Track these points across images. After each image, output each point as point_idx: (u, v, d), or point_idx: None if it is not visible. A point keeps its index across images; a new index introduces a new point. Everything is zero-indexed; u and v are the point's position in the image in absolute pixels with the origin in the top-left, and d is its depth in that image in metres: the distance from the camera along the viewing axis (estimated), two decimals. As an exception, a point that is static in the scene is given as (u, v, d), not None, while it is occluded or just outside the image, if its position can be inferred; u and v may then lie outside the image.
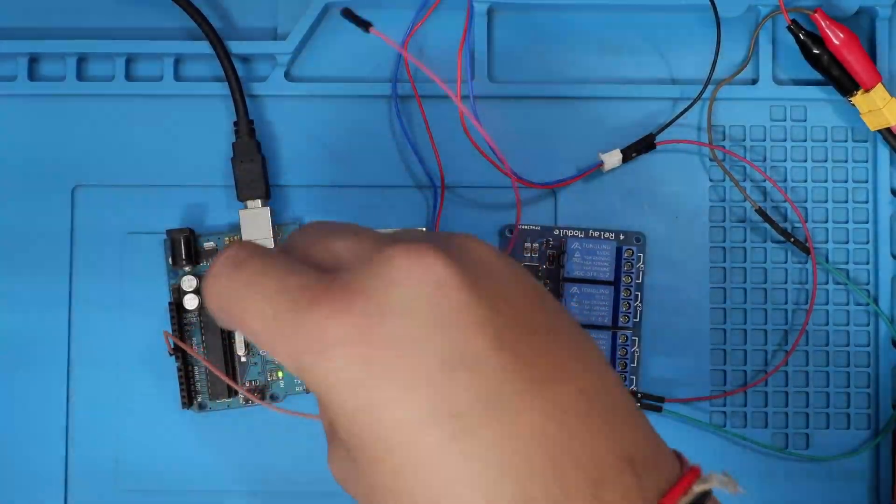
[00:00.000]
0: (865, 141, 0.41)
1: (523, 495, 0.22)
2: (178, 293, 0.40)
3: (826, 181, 0.41)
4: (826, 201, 0.41)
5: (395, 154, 0.41)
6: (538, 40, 0.42)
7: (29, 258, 0.41)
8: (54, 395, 0.40)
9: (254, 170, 0.40)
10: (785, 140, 0.41)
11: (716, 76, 0.40)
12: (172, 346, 0.39)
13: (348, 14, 0.29)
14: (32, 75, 0.41)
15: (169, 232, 0.40)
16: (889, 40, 0.41)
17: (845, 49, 0.39)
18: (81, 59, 0.41)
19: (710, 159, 0.41)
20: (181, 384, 0.39)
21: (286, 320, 0.23)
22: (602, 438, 0.23)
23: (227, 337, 0.40)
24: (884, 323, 0.41)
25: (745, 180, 0.41)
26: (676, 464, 0.25)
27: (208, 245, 0.40)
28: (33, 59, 0.41)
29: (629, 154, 0.40)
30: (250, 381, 0.40)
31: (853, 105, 0.40)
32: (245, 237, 0.39)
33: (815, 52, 0.39)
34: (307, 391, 0.40)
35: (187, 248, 0.40)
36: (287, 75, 0.41)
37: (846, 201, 0.41)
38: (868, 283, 0.41)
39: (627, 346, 0.40)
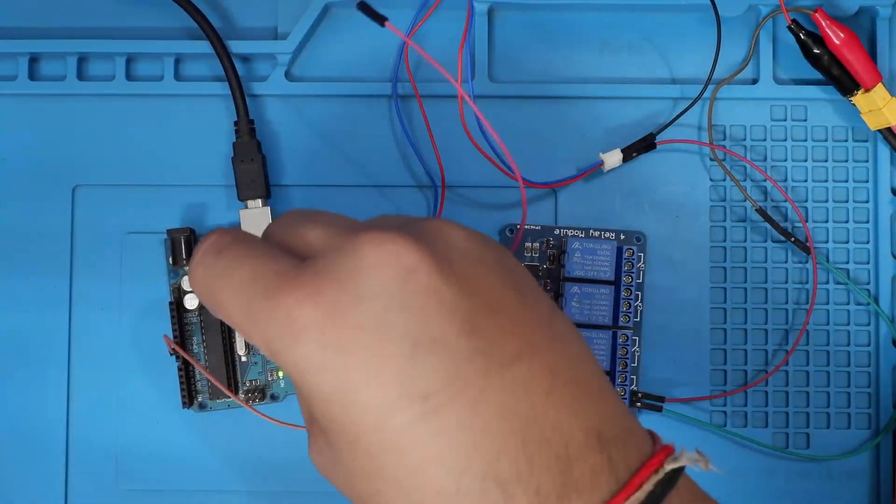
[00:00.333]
0: (866, 140, 0.41)
1: (493, 473, 0.22)
2: (179, 293, 0.40)
3: (826, 181, 0.41)
4: (826, 201, 0.41)
5: (395, 153, 0.41)
6: (539, 40, 0.42)
7: (29, 258, 0.41)
8: (55, 395, 0.40)
9: (254, 169, 0.40)
10: (785, 140, 0.41)
11: (716, 76, 0.40)
12: (173, 346, 0.39)
13: (364, 7, 0.29)
14: (33, 75, 0.41)
15: (169, 232, 0.40)
16: (889, 40, 0.41)
17: (846, 49, 0.39)
18: (82, 59, 0.41)
19: (711, 159, 0.41)
20: (181, 384, 0.39)
21: (260, 307, 0.24)
22: (570, 415, 0.23)
23: (228, 336, 0.40)
24: (884, 322, 0.41)
25: (745, 180, 0.41)
26: (649, 441, 0.25)
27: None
28: (34, 59, 0.41)
29: (630, 154, 0.40)
30: (251, 381, 0.40)
31: (854, 105, 0.40)
32: (245, 237, 0.39)
33: (816, 51, 0.39)
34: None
35: (188, 248, 0.40)
36: (287, 75, 0.41)
37: (847, 201, 0.41)
38: (868, 283, 0.41)
39: (628, 345, 0.40)
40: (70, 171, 0.41)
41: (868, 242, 0.41)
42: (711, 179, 0.41)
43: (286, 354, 0.24)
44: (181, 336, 0.40)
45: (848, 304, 0.41)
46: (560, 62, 0.42)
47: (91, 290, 0.41)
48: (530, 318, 0.25)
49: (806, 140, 0.41)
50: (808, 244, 0.40)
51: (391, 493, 0.23)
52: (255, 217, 0.39)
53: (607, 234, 0.40)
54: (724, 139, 0.41)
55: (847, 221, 0.41)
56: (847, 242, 0.41)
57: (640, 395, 0.40)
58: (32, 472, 0.40)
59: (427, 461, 0.23)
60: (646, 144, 0.40)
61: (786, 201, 0.41)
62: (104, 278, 0.41)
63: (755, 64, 0.42)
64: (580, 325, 0.39)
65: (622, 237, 0.40)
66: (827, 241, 0.41)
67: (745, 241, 0.41)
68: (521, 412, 0.23)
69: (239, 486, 0.40)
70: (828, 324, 0.41)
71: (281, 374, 0.40)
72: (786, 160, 0.41)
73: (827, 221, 0.41)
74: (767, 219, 0.40)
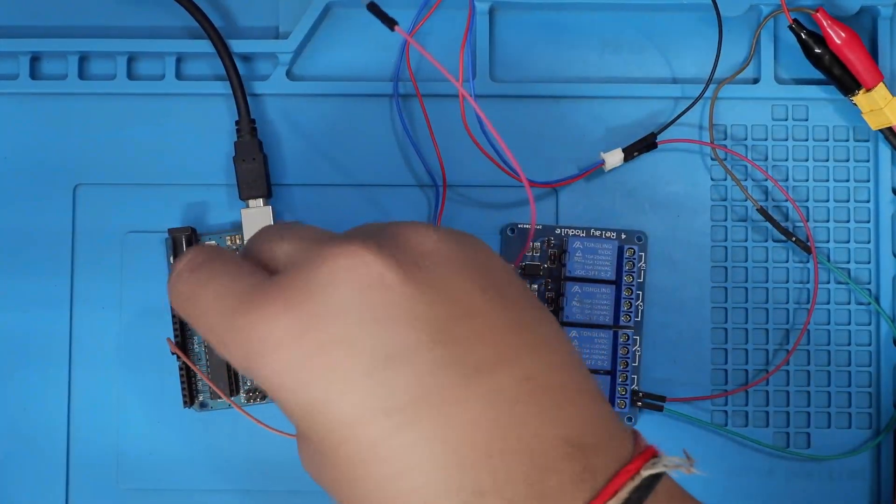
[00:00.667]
0: (867, 140, 0.41)
1: (471, 483, 0.22)
2: (180, 292, 0.40)
3: (828, 180, 0.41)
4: (828, 200, 0.41)
5: (396, 153, 0.41)
6: (540, 39, 0.42)
7: (30, 257, 0.41)
8: (55, 394, 0.40)
9: (255, 169, 0.40)
10: (786, 139, 0.41)
11: (717, 75, 0.40)
12: (174, 346, 0.39)
13: (374, 9, 0.29)
14: (34, 74, 0.41)
15: (171, 231, 0.40)
16: (891, 39, 0.41)
17: (847, 48, 0.39)
18: (83, 58, 0.41)
19: (712, 158, 0.41)
20: (182, 383, 0.39)
21: (231, 323, 0.24)
22: (546, 423, 0.23)
23: (229, 336, 0.40)
24: (885, 322, 0.41)
25: (746, 179, 0.41)
26: (630, 446, 0.25)
27: (210, 244, 0.40)
28: (35, 58, 0.41)
29: (630, 153, 0.40)
30: (250, 381, 0.40)
31: (855, 104, 0.40)
32: (247, 236, 0.39)
33: (817, 51, 0.39)
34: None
35: (189, 247, 0.40)
36: (289, 74, 0.41)
37: (848, 200, 0.41)
38: (869, 283, 0.41)
39: (629, 345, 0.40)
40: (71, 170, 0.41)
41: (869, 242, 0.41)
42: (712, 179, 0.41)
43: (260, 370, 0.23)
44: (182, 336, 0.40)
45: (849, 303, 0.41)
46: (561, 61, 0.42)
47: (92, 290, 0.41)
48: (508, 322, 0.24)
49: (807, 139, 0.41)
50: (809, 244, 0.40)
51: (374, 499, 0.23)
52: (257, 216, 0.39)
53: (608, 234, 0.40)
54: (726, 139, 0.41)
55: (848, 221, 0.41)
56: (848, 242, 0.41)
57: (640, 394, 0.40)
58: (33, 471, 0.40)
59: (403, 471, 0.22)
60: (647, 144, 0.40)
61: (787, 201, 0.41)
62: (105, 277, 0.41)
63: (756, 63, 0.42)
64: (581, 325, 0.39)
65: (623, 237, 0.40)
66: (828, 241, 0.41)
67: (746, 240, 0.41)
68: (497, 422, 0.23)
69: (239, 485, 0.40)
70: (829, 323, 0.41)
71: (282, 373, 0.40)
72: (787, 160, 0.41)
73: (828, 221, 0.41)
74: (768, 218, 0.40)
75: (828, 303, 0.41)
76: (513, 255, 0.40)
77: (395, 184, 0.41)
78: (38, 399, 0.40)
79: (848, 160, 0.41)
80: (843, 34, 0.39)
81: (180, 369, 0.40)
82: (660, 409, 0.40)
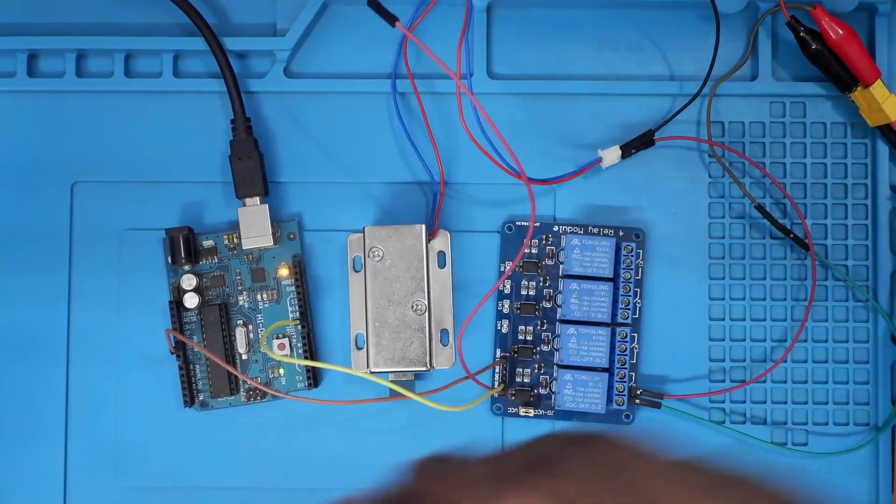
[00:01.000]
0: (864, 137, 0.41)
1: None
2: (178, 292, 0.40)
3: (825, 177, 0.41)
4: (825, 197, 0.41)
5: (394, 150, 0.41)
6: (537, 36, 0.42)
7: (28, 254, 0.41)
8: (54, 391, 0.40)
9: (252, 167, 0.40)
10: (784, 136, 0.41)
11: (715, 72, 0.40)
12: (174, 345, 0.39)
13: (375, 5, 0.29)
14: (31, 72, 0.41)
15: (168, 231, 0.40)
16: (888, 36, 0.41)
17: (845, 45, 0.39)
18: (80, 56, 0.41)
19: (710, 156, 0.41)
20: (182, 383, 0.39)
21: None
22: None
23: (228, 335, 0.40)
24: (883, 319, 0.41)
25: (744, 177, 0.41)
26: None
27: (207, 243, 0.40)
28: (32, 56, 0.41)
29: (628, 150, 0.40)
30: (250, 381, 0.40)
31: (852, 101, 0.40)
32: (243, 234, 0.39)
33: (815, 48, 0.39)
34: (308, 387, 0.40)
35: (186, 247, 0.40)
36: (286, 71, 0.41)
37: (845, 197, 0.41)
38: (867, 280, 0.41)
39: (627, 342, 0.40)
40: (69, 167, 0.41)
41: (867, 239, 0.41)
42: (710, 176, 0.41)
43: None
44: (180, 332, 0.40)
45: (847, 300, 0.41)
46: (558, 58, 0.42)
47: (90, 287, 0.41)
48: None
49: (805, 136, 0.41)
50: (806, 240, 0.40)
51: None
52: (253, 214, 0.39)
53: (606, 231, 0.40)
54: (723, 136, 0.41)
55: (846, 218, 0.41)
56: (846, 239, 0.41)
57: (639, 391, 0.40)
58: (31, 468, 0.40)
59: None
60: (644, 141, 0.40)
61: (784, 198, 0.41)
62: (103, 274, 0.41)
63: (754, 60, 0.42)
64: (579, 322, 0.39)
65: (621, 234, 0.40)
66: (826, 238, 0.41)
67: (744, 237, 0.41)
68: None
69: (238, 483, 0.40)
70: (827, 320, 0.41)
71: (282, 371, 0.40)
72: (784, 157, 0.41)
73: (826, 218, 0.41)
74: (766, 215, 0.40)
75: (826, 300, 0.41)
76: (512, 252, 0.40)
77: (394, 181, 0.41)
78: (35, 395, 0.40)
79: (845, 157, 0.41)
80: (840, 31, 0.39)
81: (180, 369, 0.39)
82: (658, 406, 0.40)
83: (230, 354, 0.40)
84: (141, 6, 0.42)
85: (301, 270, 0.40)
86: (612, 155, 0.40)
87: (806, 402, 0.41)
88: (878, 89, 0.39)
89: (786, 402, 0.41)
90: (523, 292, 0.40)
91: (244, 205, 0.40)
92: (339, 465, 0.40)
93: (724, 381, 0.41)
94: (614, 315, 0.40)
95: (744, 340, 0.41)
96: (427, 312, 0.38)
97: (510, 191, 0.41)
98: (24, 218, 0.41)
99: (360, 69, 0.41)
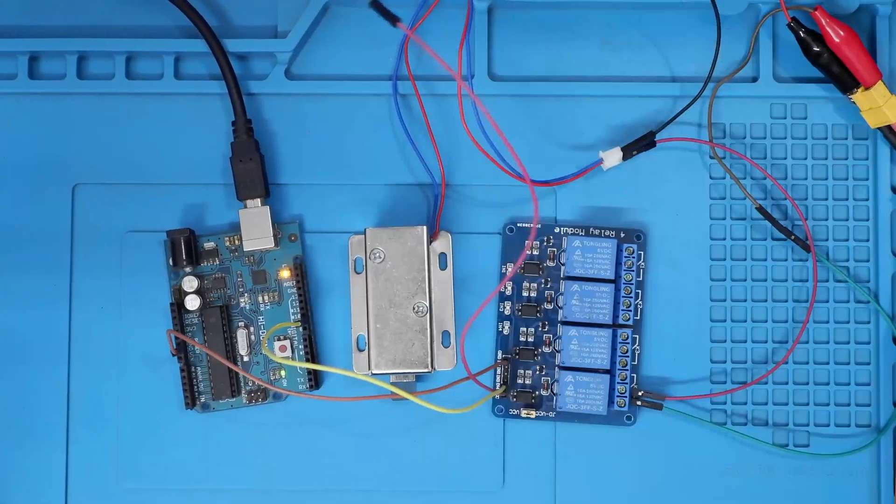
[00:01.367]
0: (866, 138, 0.41)
1: None
2: (180, 294, 0.40)
3: (826, 179, 0.41)
4: (826, 199, 0.41)
5: (395, 152, 0.41)
6: (538, 38, 0.42)
7: (29, 256, 0.41)
8: (55, 393, 0.40)
9: (253, 169, 0.40)
10: (785, 137, 0.41)
11: (716, 74, 0.40)
12: (175, 347, 0.39)
13: (377, 6, 0.29)
14: (33, 74, 0.41)
15: (169, 233, 0.40)
16: (889, 38, 0.41)
17: (846, 46, 0.39)
18: (82, 58, 0.41)
19: (711, 157, 0.41)
20: (184, 385, 0.39)
21: None
22: None
23: (230, 337, 0.40)
24: (884, 320, 0.41)
25: (745, 178, 0.41)
26: None
27: (208, 245, 0.40)
28: (33, 58, 0.41)
29: (629, 152, 0.40)
30: (252, 382, 0.40)
31: (853, 102, 0.40)
32: (245, 236, 0.39)
33: (816, 49, 0.39)
34: (309, 389, 0.40)
35: (188, 249, 0.40)
36: (287, 73, 0.41)
37: (847, 199, 0.41)
38: (869, 281, 0.41)
39: (628, 343, 0.40)
40: (70, 169, 0.41)
41: (868, 240, 0.41)
42: (711, 177, 0.41)
43: None
44: (182, 333, 0.40)
45: (848, 301, 0.41)
46: (560, 60, 0.42)
47: (91, 289, 0.41)
48: None
49: (806, 138, 0.41)
50: (808, 242, 0.40)
51: None
52: (255, 217, 0.39)
53: (607, 233, 0.40)
54: (725, 137, 0.41)
55: (847, 219, 0.41)
56: (847, 240, 0.41)
57: (640, 393, 0.40)
58: (32, 470, 0.40)
59: None
60: (646, 142, 0.40)
61: (786, 199, 0.41)
62: (104, 276, 0.41)
63: (755, 62, 0.42)
64: (580, 324, 0.39)
65: (622, 235, 0.40)
66: (827, 239, 0.41)
67: (746, 238, 0.41)
68: None
69: (239, 485, 0.40)
70: (828, 321, 0.41)
71: (283, 373, 0.40)
72: (786, 158, 0.41)
73: (827, 219, 0.41)
74: (767, 217, 0.40)
75: (827, 301, 0.41)
76: (513, 253, 0.40)
77: (395, 183, 0.41)
78: (37, 397, 0.40)
79: (847, 158, 0.41)
80: (841, 32, 0.39)
81: (181, 371, 0.39)
82: (659, 407, 0.40)
83: (231, 356, 0.40)
84: (142, 8, 0.42)
85: (302, 272, 0.40)
86: (613, 156, 0.40)
87: (807, 404, 0.41)
88: (878, 91, 0.39)
89: (787, 404, 0.41)
90: (524, 294, 0.40)
91: (245, 207, 0.40)
92: (340, 468, 0.40)
93: (725, 382, 0.41)
94: (615, 316, 0.40)
95: (745, 342, 0.41)
96: (428, 314, 0.38)
97: (511, 192, 0.41)
98: (26, 220, 0.41)
99: (361, 71, 0.41)
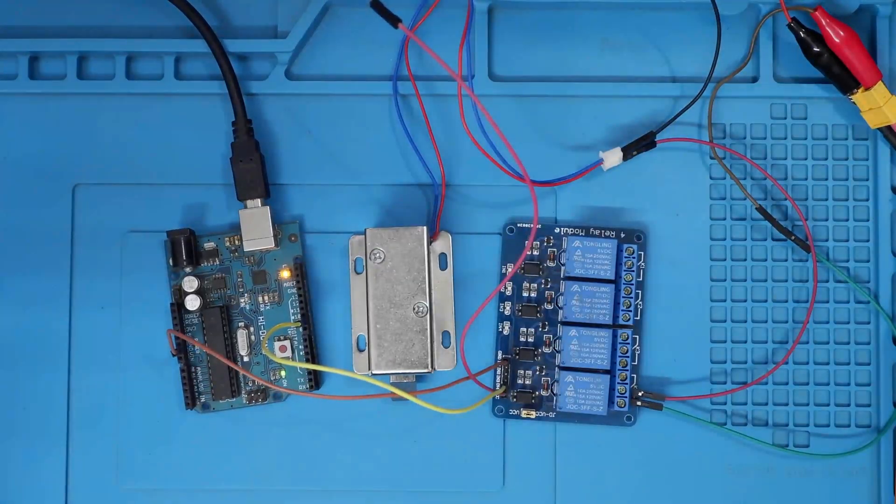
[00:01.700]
0: (866, 139, 0.41)
1: None
2: (180, 294, 0.40)
3: (827, 179, 0.41)
4: (827, 199, 0.41)
5: (395, 152, 0.41)
6: (538, 38, 0.42)
7: (29, 256, 0.41)
8: (55, 394, 0.40)
9: (253, 169, 0.40)
10: (785, 138, 0.41)
11: (716, 74, 0.40)
12: (175, 347, 0.39)
13: (378, 7, 0.29)
14: (33, 74, 0.41)
15: (169, 233, 0.40)
16: (889, 38, 0.41)
17: (846, 47, 0.39)
18: (82, 58, 0.41)
19: (711, 157, 0.41)
20: (184, 385, 0.39)
21: None
22: None
23: (230, 337, 0.40)
24: (884, 320, 0.41)
25: (745, 178, 0.41)
26: None
27: (209, 246, 0.40)
28: (34, 58, 0.41)
29: (629, 152, 0.40)
30: (252, 382, 0.40)
31: (854, 103, 0.40)
32: (245, 236, 0.39)
33: (816, 49, 0.39)
34: (309, 389, 0.40)
35: (188, 249, 0.40)
36: (287, 73, 0.41)
37: (847, 199, 0.41)
38: (869, 281, 0.41)
39: (628, 344, 0.40)
40: (70, 169, 0.41)
41: (868, 240, 0.41)
42: (712, 177, 0.41)
43: None
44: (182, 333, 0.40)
45: (848, 301, 0.41)
46: (560, 60, 0.42)
47: (91, 289, 0.41)
48: None
49: (806, 138, 0.41)
50: (808, 242, 0.40)
51: None
52: (255, 217, 0.39)
53: (607, 233, 0.40)
54: (725, 137, 0.41)
55: (847, 219, 0.41)
56: (847, 240, 0.41)
57: (640, 393, 0.40)
58: (33, 471, 0.40)
59: None
60: (646, 143, 0.40)
61: (786, 199, 0.41)
62: (104, 277, 0.41)
63: (755, 62, 0.42)
64: (580, 325, 0.39)
65: (622, 235, 0.40)
66: (827, 239, 0.41)
67: (746, 239, 0.41)
68: None
69: (239, 485, 0.40)
70: (828, 322, 0.41)
71: (283, 373, 0.40)
72: (786, 158, 0.41)
73: (827, 219, 0.41)
74: (768, 217, 0.40)
75: (827, 301, 0.41)
76: (513, 253, 0.40)
77: (395, 183, 0.41)
78: (37, 398, 0.40)
79: (847, 159, 0.41)
80: (841, 33, 0.39)
81: (181, 371, 0.40)
82: (659, 408, 0.40)
83: (231, 357, 0.40)
84: (142, 8, 0.42)
85: (302, 272, 0.40)
86: (613, 157, 0.40)
87: (807, 404, 0.41)
88: (879, 91, 0.39)
89: (787, 404, 0.41)
90: (524, 294, 0.40)
91: (245, 207, 0.40)
92: (340, 468, 0.40)
93: (725, 382, 0.41)
94: (616, 317, 0.40)
95: (745, 342, 0.41)
96: (428, 314, 0.38)
97: (511, 192, 0.41)
98: (26, 220, 0.41)
99: (361, 71, 0.41)
